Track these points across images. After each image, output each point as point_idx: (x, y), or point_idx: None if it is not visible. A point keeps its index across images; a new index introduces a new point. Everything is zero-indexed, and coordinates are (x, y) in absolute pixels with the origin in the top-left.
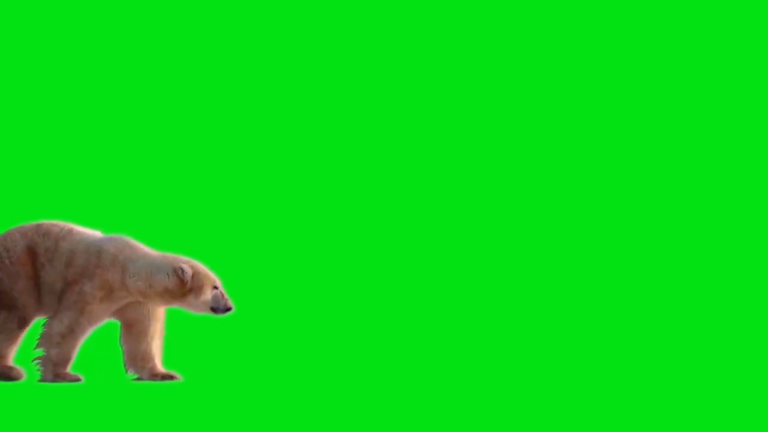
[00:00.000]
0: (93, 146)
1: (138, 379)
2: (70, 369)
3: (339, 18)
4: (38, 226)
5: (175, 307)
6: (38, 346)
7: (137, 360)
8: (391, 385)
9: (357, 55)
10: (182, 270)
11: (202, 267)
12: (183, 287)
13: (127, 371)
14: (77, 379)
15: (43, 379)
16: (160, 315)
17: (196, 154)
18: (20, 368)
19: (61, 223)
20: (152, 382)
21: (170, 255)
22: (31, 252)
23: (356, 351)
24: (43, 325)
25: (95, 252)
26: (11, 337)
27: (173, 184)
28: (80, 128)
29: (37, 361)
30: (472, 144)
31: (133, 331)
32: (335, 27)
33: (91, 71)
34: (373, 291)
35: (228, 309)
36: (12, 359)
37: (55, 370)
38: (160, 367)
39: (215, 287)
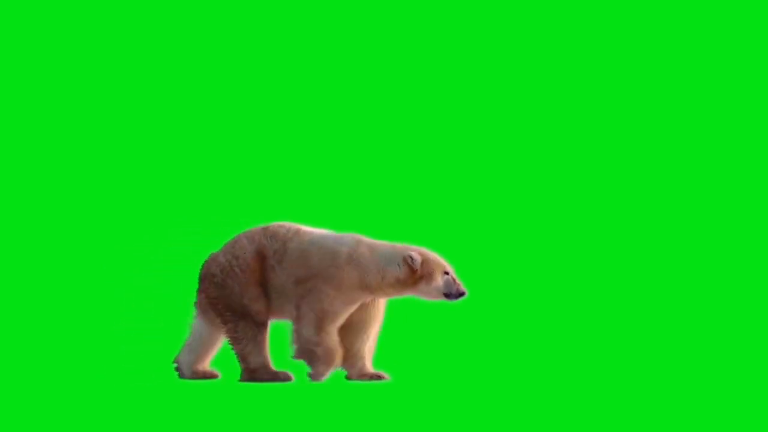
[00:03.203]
0: (312, 145)
1: (348, 376)
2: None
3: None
4: (265, 228)
5: (409, 296)
6: (298, 357)
7: (349, 357)
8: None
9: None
10: (411, 258)
11: (431, 254)
12: (414, 275)
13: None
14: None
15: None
16: (380, 317)
17: (421, 145)
18: (288, 372)
19: (288, 223)
20: (361, 382)
21: (399, 245)
22: (260, 256)
23: (575, 340)
24: (291, 340)
25: (329, 252)
26: (257, 342)
27: (400, 176)
28: (295, 128)
29: (311, 376)
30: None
31: (353, 328)
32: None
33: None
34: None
35: (461, 294)
36: (270, 361)
37: (327, 369)
38: (370, 367)
39: (446, 273)
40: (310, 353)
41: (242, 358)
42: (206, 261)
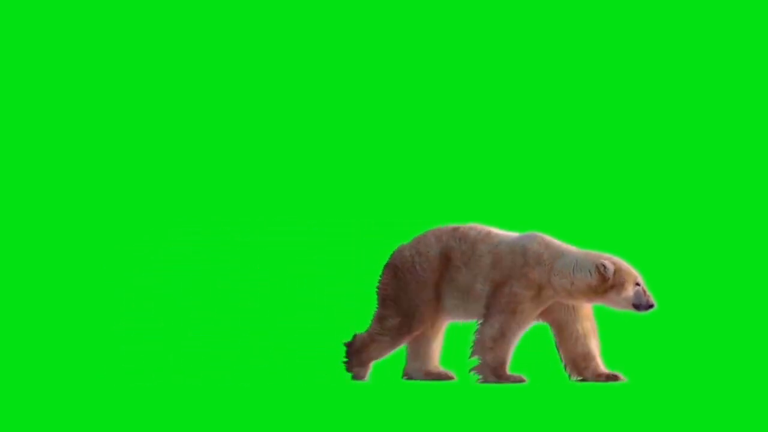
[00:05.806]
0: (503, 149)
1: (582, 379)
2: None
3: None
4: (455, 229)
5: (597, 303)
6: (473, 354)
7: (578, 361)
8: None
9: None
10: (604, 267)
11: (624, 263)
12: (604, 284)
13: (570, 376)
14: (520, 380)
15: (483, 381)
16: (587, 313)
17: (610, 151)
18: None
19: (479, 225)
20: (596, 383)
21: (591, 252)
22: (445, 256)
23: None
24: (475, 332)
25: (520, 252)
26: (395, 344)
27: (593, 182)
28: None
29: (473, 369)
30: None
31: (565, 333)
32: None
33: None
34: None
35: (650, 306)
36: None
37: (495, 373)
38: (603, 367)
39: (637, 284)
40: (483, 357)
41: (365, 343)
42: (393, 252)
